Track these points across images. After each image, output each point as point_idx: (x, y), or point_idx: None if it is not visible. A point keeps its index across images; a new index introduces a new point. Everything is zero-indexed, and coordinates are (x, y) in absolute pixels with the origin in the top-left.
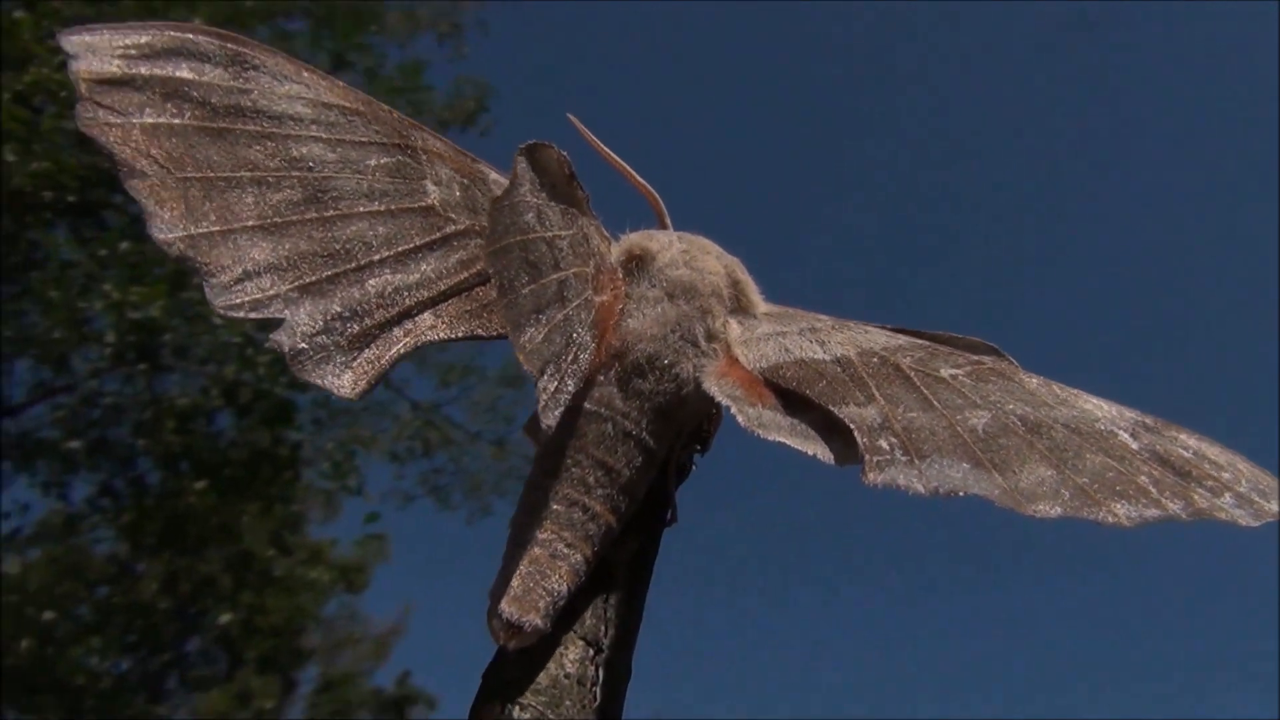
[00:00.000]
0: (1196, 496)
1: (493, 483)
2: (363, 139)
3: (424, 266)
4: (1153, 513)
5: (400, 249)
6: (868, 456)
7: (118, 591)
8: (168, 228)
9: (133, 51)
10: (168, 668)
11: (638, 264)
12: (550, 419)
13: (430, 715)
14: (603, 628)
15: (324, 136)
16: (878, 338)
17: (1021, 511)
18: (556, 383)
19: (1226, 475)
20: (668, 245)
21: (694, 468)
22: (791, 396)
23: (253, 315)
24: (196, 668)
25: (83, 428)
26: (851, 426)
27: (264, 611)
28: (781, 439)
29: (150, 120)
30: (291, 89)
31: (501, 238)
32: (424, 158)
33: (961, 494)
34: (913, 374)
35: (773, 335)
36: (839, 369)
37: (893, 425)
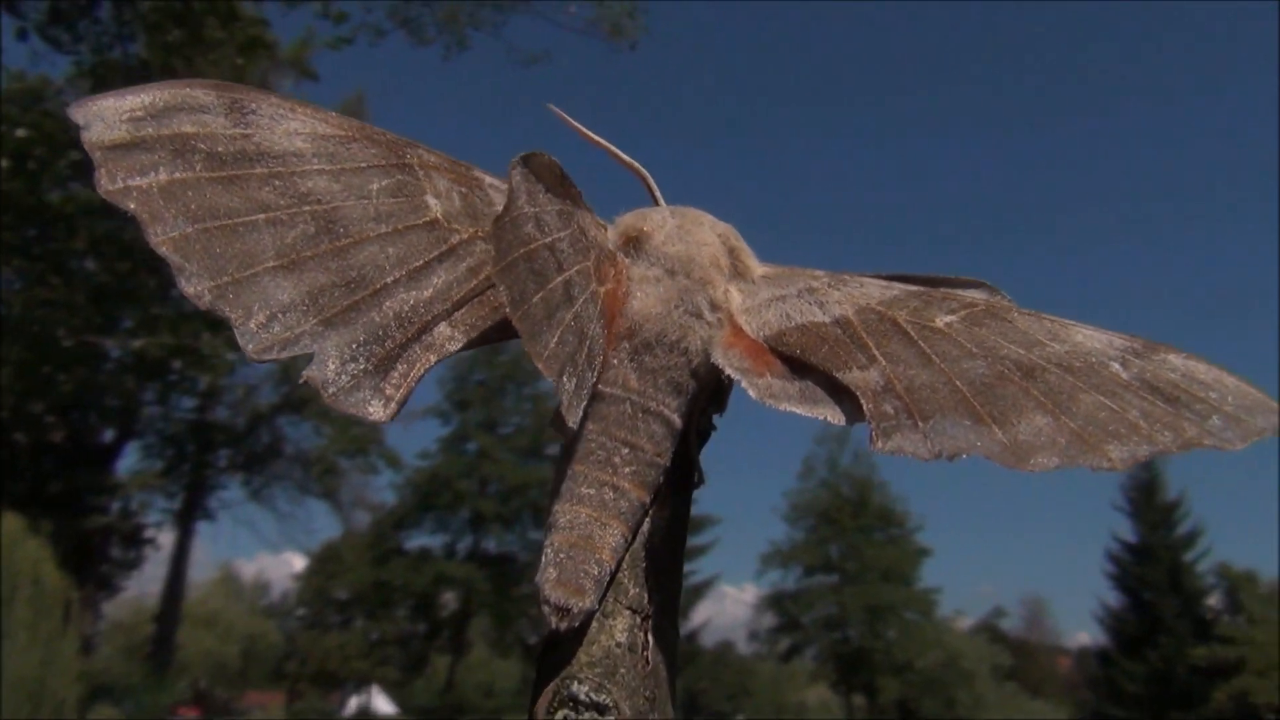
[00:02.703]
0: (1186, 424)
1: (468, 13)
2: (362, 164)
3: (435, 279)
4: (1144, 450)
5: (412, 266)
6: (874, 424)
7: None
8: (195, 281)
9: (138, 113)
10: None
11: (635, 245)
12: (574, 417)
13: None
14: (646, 595)
15: (327, 168)
16: (873, 291)
17: (1021, 469)
18: (575, 381)
19: (1214, 395)
20: (661, 223)
21: (715, 429)
22: (796, 360)
23: (284, 355)
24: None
25: None
26: (856, 392)
27: None
28: (792, 408)
29: (164, 178)
30: (289, 126)
31: (506, 254)
32: (421, 173)
33: (965, 455)
34: (910, 328)
35: (773, 300)
36: (839, 330)
37: (895, 387)
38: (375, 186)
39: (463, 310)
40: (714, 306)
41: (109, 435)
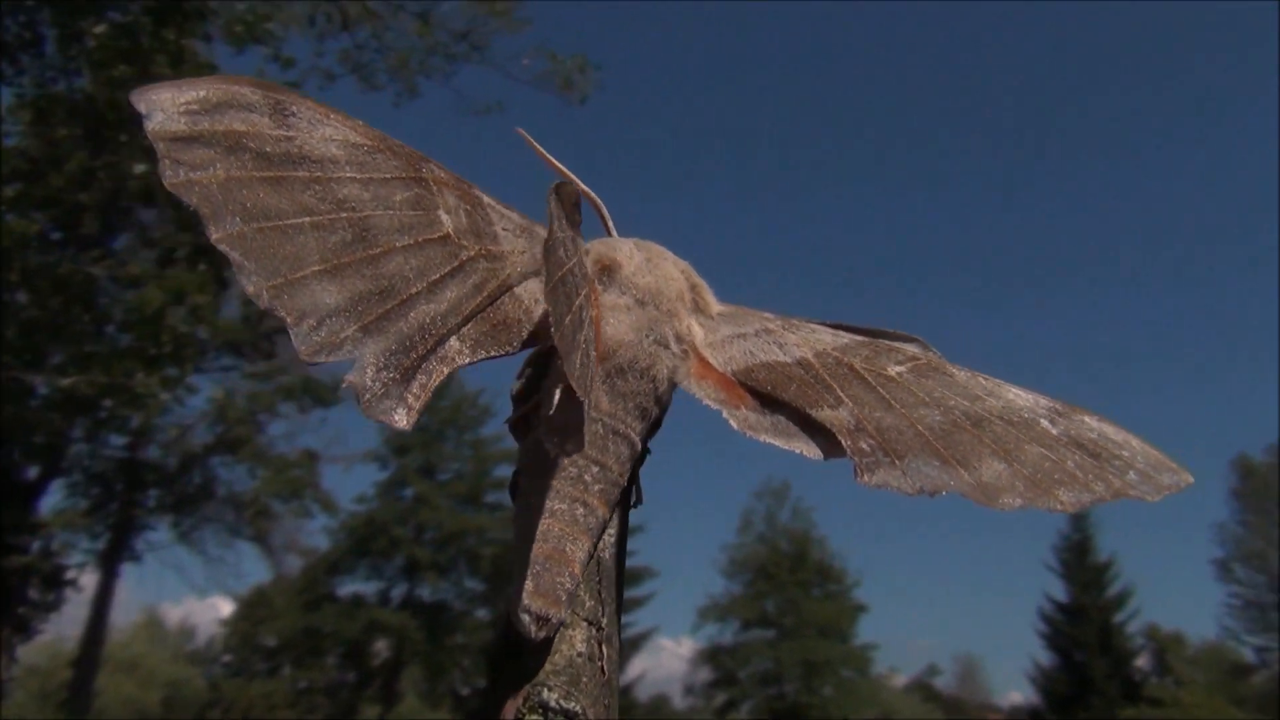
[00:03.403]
0: (1111, 477)
1: (419, 60)
2: (387, 175)
3: (448, 294)
4: (1087, 496)
5: (430, 280)
6: (856, 459)
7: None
8: (255, 280)
9: (194, 107)
10: (96, 262)
11: (607, 274)
12: (588, 436)
13: None
14: (600, 608)
15: (358, 176)
16: (825, 337)
17: (992, 506)
18: (590, 400)
19: (1126, 454)
20: (630, 254)
21: (650, 453)
22: (766, 396)
23: (331, 359)
24: (127, 264)
25: None
26: (831, 429)
27: None
28: (769, 439)
29: (222, 175)
30: (325, 132)
31: (553, 275)
32: (435, 188)
33: (943, 492)
34: (866, 374)
35: (734, 337)
36: (802, 371)
37: (866, 427)
38: (399, 198)
39: (469, 326)
40: (679, 338)
41: (32, 472)
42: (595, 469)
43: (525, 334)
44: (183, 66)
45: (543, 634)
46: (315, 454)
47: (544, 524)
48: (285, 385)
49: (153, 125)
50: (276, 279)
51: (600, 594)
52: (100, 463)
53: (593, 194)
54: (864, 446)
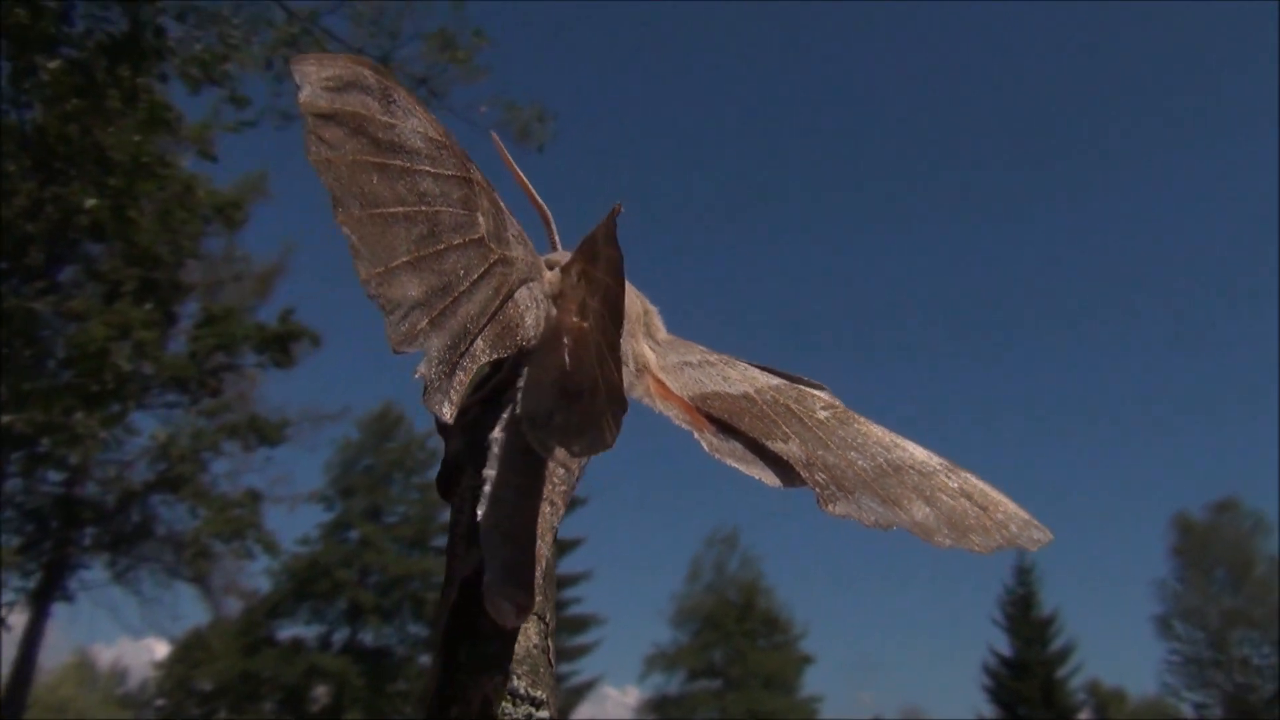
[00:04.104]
0: (999, 528)
1: None
2: (450, 172)
3: (480, 295)
4: (993, 542)
5: (471, 280)
6: (817, 490)
7: None
8: (366, 266)
9: (332, 84)
10: (41, 295)
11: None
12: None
13: (314, 352)
14: (546, 604)
15: (432, 171)
16: (758, 375)
17: (931, 543)
18: (615, 421)
19: (1001, 513)
20: None
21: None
22: (723, 424)
23: (412, 350)
24: (72, 298)
25: None
26: (788, 460)
27: (133, 198)
28: (733, 463)
29: (350, 156)
30: (413, 123)
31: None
32: (477, 189)
33: (893, 528)
34: (801, 415)
35: (683, 365)
36: (749, 404)
37: (815, 462)
38: (456, 195)
39: (488, 328)
40: (636, 358)
41: None
42: (562, 470)
43: (520, 338)
44: (136, 104)
45: (518, 622)
46: (259, 494)
47: (520, 518)
48: (230, 423)
49: (303, 97)
50: (379, 267)
51: (546, 590)
52: (35, 499)
53: (545, 208)
54: (819, 479)
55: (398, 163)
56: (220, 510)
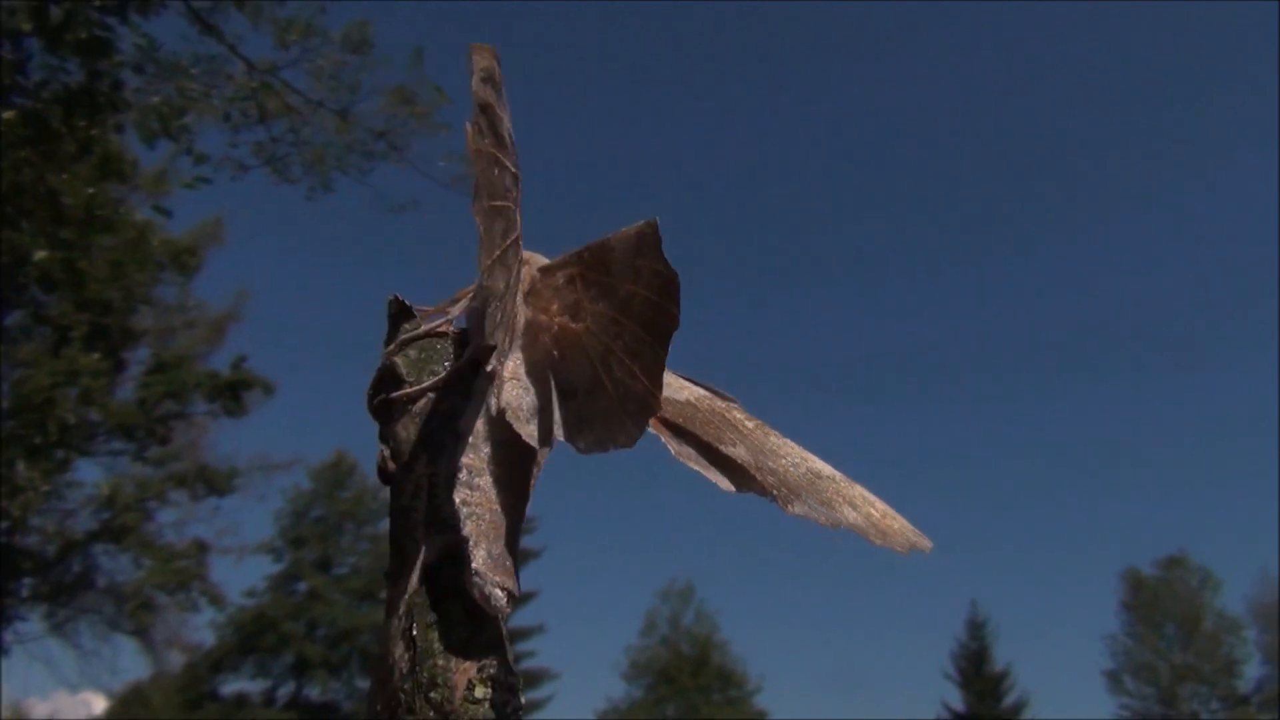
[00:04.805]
0: (900, 533)
1: (336, 155)
2: (514, 170)
3: (516, 292)
4: (906, 545)
5: (510, 279)
6: (773, 492)
7: None
8: (484, 255)
9: (484, 76)
10: None
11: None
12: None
13: (267, 400)
14: None
15: (511, 168)
16: (686, 383)
17: (873, 543)
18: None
19: (895, 521)
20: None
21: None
22: (676, 427)
23: (492, 341)
24: (19, 343)
25: None
26: (740, 464)
27: (85, 250)
28: (694, 467)
29: (489, 149)
30: (508, 117)
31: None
32: (518, 191)
33: (842, 527)
34: (735, 423)
35: None
36: (694, 410)
37: (762, 466)
38: (515, 193)
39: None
40: None
41: None
42: (536, 469)
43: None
44: (91, 153)
45: (508, 609)
46: (205, 544)
47: (499, 508)
48: (178, 472)
49: (473, 85)
50: (489, 258)
51: None
52: None
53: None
54: (770, 481)
55: (503, 157)
56: (165, 561)
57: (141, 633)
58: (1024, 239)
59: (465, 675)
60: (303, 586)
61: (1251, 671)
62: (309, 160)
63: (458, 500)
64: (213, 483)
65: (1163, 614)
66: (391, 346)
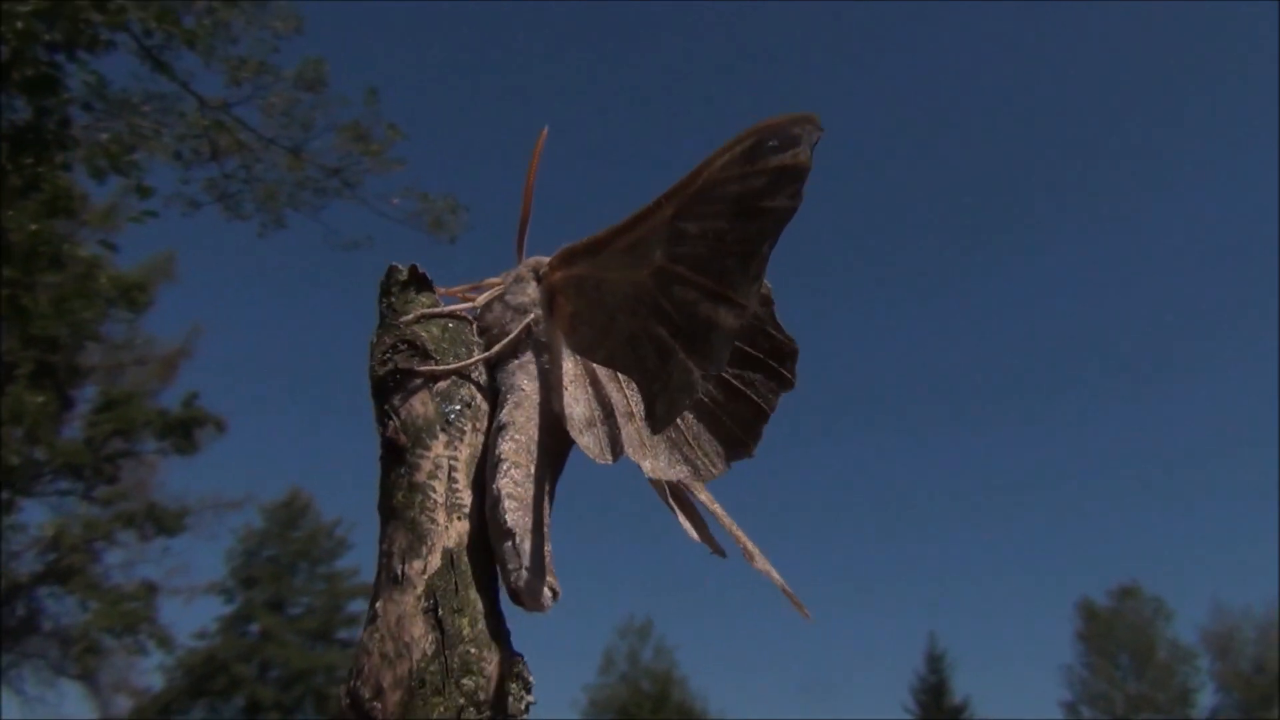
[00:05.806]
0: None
1: (288, 194)
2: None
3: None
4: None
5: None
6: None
7: None
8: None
9: None
10: None
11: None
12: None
13: (219, 438)
14: None
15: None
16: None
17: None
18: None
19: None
20: None
21: None
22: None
23: None
24: None
25: None
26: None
27: (29, 287)
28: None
29: None
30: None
31: None
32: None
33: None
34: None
35: None
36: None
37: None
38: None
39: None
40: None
41: None
42: (558, 468)
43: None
44: (38, 190)
45: (549, 608)
46: (154, 585)
47: (539, 510)
48: (126, 511)
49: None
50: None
51: None
52: None
53: (527, 209)
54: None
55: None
56: (112, 603)
57: (87, 677)
58: (971, 272)
59: (498, 668)
60: (255, 627)
61: (1205, 700)
62: (261, 197)
63: (501, 491)
64: (162, 522)
65: (1117, 644)
66: (410, 317)
